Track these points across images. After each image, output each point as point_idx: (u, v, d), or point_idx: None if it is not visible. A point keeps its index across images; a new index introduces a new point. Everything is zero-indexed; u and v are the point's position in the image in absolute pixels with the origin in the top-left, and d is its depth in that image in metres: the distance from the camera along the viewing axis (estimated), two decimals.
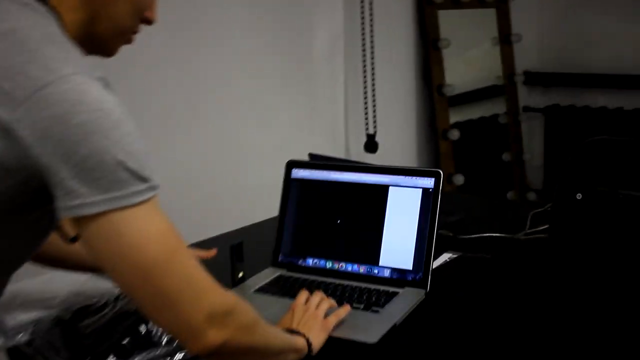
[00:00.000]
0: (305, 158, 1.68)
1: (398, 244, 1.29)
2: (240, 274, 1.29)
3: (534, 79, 3.38)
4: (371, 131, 2.77)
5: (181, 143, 2.10)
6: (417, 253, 1.28)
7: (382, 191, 1.32)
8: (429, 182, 1.30)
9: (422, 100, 3.02)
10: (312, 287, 1.24)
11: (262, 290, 1.29)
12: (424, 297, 1.24)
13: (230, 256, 1.28)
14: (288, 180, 1.40)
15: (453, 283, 1.32)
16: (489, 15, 3.20)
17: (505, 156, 3.31)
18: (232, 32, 2.23)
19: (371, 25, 2.67)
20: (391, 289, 1.25)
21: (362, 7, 2.66)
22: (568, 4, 3.30)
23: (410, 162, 3.04)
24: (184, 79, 2.09)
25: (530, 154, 3.37)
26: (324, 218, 1.35)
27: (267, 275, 1.34)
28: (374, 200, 1.32)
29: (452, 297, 1.26)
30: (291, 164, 1.40)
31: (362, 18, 2.66)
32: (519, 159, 3.33)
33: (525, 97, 3.38)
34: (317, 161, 1.50)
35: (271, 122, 2.43)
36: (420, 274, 1.27)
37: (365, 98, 2.74)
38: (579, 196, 1.32)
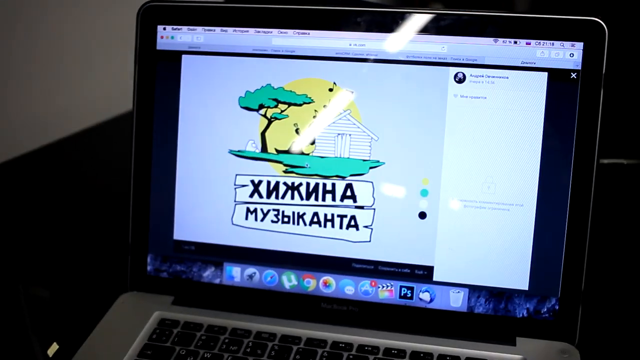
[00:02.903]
0: None
1: (485, 228, 0.49)
2: (52, 349, 0.47)
3: None
4: None
5: None
6: (541, 248, 0.48)
7: (435, 83, 0.49)
8: (569, 53, 0.47)
9: None
10: None
11: None
12: None
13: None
14: (150, 57, 0.52)
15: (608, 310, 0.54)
16: None
17: None
18: None
19: None
20: (480, 352, 0.47)
21: None
22: None
23: None
24: None
25: None
26: (268, 163, 0.52)
27: (126, 328, 0.50)
28: (413, 106, 0.49)
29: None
30: (151, 11, 0.52)
31: None
32: None
33: None
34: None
35: None
36: (555, 301, 0.48)
37: None
38: None
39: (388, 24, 0.49)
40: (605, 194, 0.51)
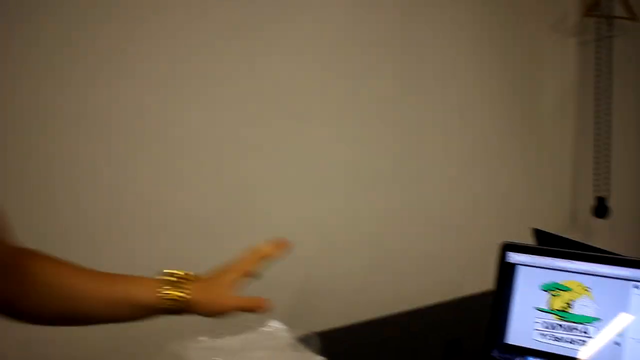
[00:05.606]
0: (524, 225, 1.53)
1: None
2: None
3: None
4: (602, 193, 2.53)
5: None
6: None
7: (622, 290, 1.15)
8: None
9: None
10: None
11: None
12: None
13: None
14: (503, 263, 1.27)
15: None
16: None
17: None
18: (450, 79, 2.14)
19: (609, 78, 2.44)
20: None
21: (598, 58, 2.44)
22: None
23: None
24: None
25: None
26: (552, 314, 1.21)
27: None
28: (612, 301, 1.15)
29: None
30: (507, 247, 1.27)
31: (597, 70, 2.45)
32: None
33: None
34: (540, 246, 1.35)
35: (487, 178, 2.29)
36: None
37: (596, 157, 2.51)
38: None
39: (608, 261, 1.17)
40: None
